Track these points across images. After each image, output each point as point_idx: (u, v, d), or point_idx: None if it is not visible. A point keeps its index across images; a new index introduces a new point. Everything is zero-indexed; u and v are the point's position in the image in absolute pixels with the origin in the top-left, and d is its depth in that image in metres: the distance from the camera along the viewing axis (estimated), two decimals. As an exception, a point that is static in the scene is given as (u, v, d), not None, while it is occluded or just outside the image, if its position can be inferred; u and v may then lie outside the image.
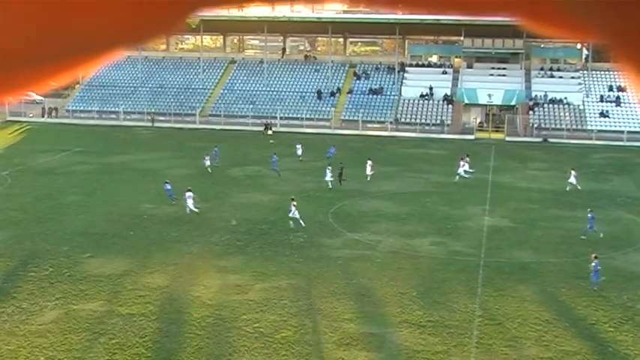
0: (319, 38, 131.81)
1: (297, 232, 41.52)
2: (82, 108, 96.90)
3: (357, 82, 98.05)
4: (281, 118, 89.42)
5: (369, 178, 55.19)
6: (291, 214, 42.35)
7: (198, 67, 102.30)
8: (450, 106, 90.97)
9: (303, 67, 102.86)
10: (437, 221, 44.97)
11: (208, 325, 28.77)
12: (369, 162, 56.57)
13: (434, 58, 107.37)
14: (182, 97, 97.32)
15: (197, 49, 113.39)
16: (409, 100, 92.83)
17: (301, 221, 42.08)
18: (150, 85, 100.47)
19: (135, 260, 36.33)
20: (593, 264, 32.97)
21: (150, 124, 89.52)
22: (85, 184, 54.30)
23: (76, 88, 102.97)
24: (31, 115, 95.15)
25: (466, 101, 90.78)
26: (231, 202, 48.97)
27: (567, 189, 53.33)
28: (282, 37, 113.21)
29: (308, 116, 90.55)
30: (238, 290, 32.47)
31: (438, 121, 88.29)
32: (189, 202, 45.17)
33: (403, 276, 34.55)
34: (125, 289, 32.34)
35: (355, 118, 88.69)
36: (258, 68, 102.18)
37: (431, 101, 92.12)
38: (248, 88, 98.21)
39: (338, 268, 35.62)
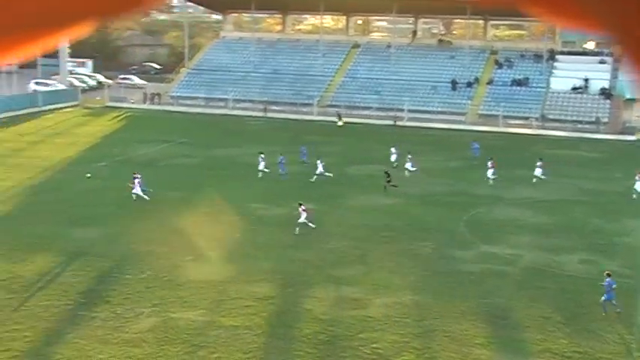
0: (456, 20, 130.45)
1: (423, 242, 41.19)
2: (187, 94, 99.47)
3: (499, 71, 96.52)
4: (409, 110, 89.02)
5: (534, 180, 56.25)
6: (300, 220, 42.69)
7: (317, 51, 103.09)
8: (608, 101, 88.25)
9: (435, 53, 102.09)
10: (587, 235, 43.67)
11: (320, 342, 28.87)
12: (539, 163, 56.88)
13: (590, 45, 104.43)
14: (298, 84, 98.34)
15: (316, 31, 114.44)
16: (559, 94, 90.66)
17: (311, 224, 42.59)
18: (263, 71, 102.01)
19: (240, 266, 36.91)
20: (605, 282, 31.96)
21: (262, 113, 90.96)
22: (189, 179, 55.68)
23: (182, 72, 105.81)
24: (132, 101, 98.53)
25: (628, 96, 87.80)
26: (348, 205, 49.11)
27: None
28: (413, 19, 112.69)
29: (440, 109, 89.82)
30: (355, 305, 32.46)
31: (593, 119, 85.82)
32: (137, 188, 48.34)
33: (546, 297, 33.69)
34: (229, 298, 32.89)
35: (495, 112, 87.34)
36: (384, 53, 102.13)
37: (585, 95, 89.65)
38: (372, 76, 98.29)
39: (470, 285, 35.08)
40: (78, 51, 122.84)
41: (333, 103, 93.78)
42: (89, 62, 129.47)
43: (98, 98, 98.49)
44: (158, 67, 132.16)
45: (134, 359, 27.21)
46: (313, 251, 39.50)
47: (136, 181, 48.28)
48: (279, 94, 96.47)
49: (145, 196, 48.06)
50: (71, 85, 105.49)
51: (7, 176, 55.54)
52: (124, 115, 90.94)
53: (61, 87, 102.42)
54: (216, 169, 59.38)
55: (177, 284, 34.36)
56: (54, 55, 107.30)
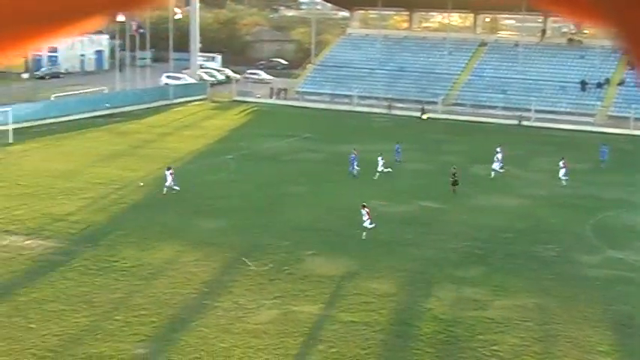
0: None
1: (547, 245, 40.31)
2: (313, 90, 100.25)
3: (631, 72, 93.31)
4: (536, 110, 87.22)
5: None
6: (365, 224, 40.86)
7: (443, 48, 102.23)
8: None
9: (565, 52, 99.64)
10: None
11: (439, 342, 28.66)
12: None
13: None
14: (423, 82, 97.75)
15: (443, 29, 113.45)
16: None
17: (364, 233, 40.74)
18: (388, 68, 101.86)
19: (361, 262, 37.00)
20: None
21: (386, 110, 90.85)
22: (312, 174, 56.12)
23: (308, 68, 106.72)
24: (258, 96, 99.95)
25: None
26: (471, 204, 48.53)
27: None
28: (542, 17, 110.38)
29: (568, 110, 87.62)
30: (475, 305, 32.07)
31: None
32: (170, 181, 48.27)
33: (677, 307, 32.44)
34: (348, 294, 33.03)
35: (626, 114, 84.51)
36: (512, 52, 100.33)
37: None
38: (499, 75, 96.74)
39: (595, 291, 34.14)
40: (208, 46, 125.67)
41: (459, 101, 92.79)
42: (218, 57, 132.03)
43: (226, 92, 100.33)
44: (285, 62, 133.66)
45: (254, 349, 27.66)
46: (434, 250, 39.22)
47: (169, 174, 48.51)
48: (404, 91, 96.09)
49: (176, 187, 48.23)
50: (201, 79, 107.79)
51: (138, 166, 57.30)
52: (251, 110, 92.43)
53: (191, 81, 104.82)
54: (340, 164, 59.58)
55: (298, 278, 34.72)
56: (185, 49, 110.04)
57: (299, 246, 39.16)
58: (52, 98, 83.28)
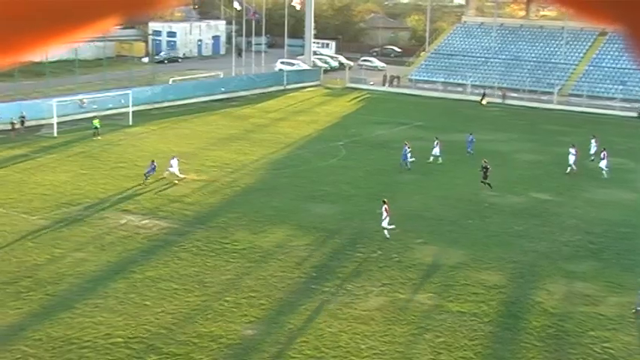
0: None
1: (665, 242, 39.00)
2: (426, 78, 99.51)
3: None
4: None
5: None
6: (383, 224, 38.49)
7: (560, 38, 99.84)
8: None
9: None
10: None
11: (548, 336, 28.11)
12: None
13: None
14: (539, 72, 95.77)
15: (561, 17, 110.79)
16: None
17: (386, 232, 38.26)
18: (503, 57, 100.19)
19: (471, 252, 36.60)
20: None
21: (500, 100, 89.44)
22: (423, 162, 55.74)
23: (422, 55, 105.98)
24: (371, 83, 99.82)
25: None
26: (585, 198, 47.35)
27: None
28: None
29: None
30: (587, 301, 31.32)
31: None
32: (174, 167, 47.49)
33: None
34: (457, 284, 32.73)
35: None
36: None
37: None
38: (618, 66, 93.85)
39: None
40: (322, 32, 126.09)
41: (575, 92, 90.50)
42: (332, 43, 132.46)
43: (339, 79, 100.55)
44: (398, 50, 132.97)
45: (361, 336, 27.73)
46: (546, 243, 38.45)
47: (174, 162, 47.69)
48: (519, 81, 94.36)
49: (180, 175, 47.61)
50: (314, 65, 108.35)
51: (251, 151, 58.11)
52: (363, 97, 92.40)
53: (305, 67, 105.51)
54: (451, 153, 58.98)
55: (407, 266, 34.60)
56: (300, 36, 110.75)
57: (409, 234, 39.02)
58: (170, 82, 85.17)
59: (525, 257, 36.25)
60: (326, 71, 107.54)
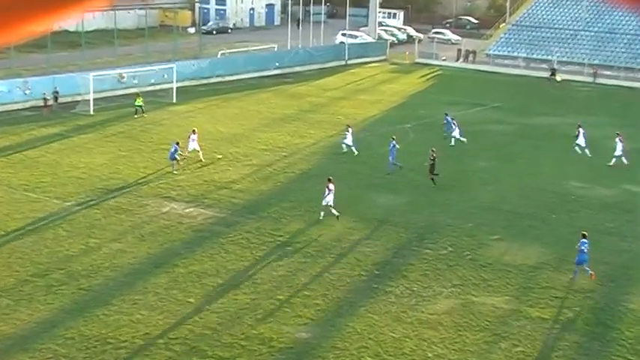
0: None
1: None
2: (505, 53, 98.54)
3: None
4: None
5: None
6: (324, 201, 39.39)
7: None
8: None
9: None
10: None
11: (642, 349, 27.70)
12: None
13: None
14: (637, 46, 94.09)
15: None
16: None
17: (322, 213, 39.27)
18: (595, 29, 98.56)
19: (554, 251, 36.20)
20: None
21: (591, 79, 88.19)
22: (500, 148, 55.29)
23: (501, 27, 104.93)
24: (443, 58, 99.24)
25: None
26: (688, 191, 46.57)
27: None
28: None
29: None
30: (687, 310, 30.76)
31: None
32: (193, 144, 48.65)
33: None
34: (538, 286, 32.40)
35: None
36: None
37: None
38: None
39: None
40: (389, 1, 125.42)
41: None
42: (400, 13, 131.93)
43: (407, 53, 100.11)
44: (475, 21, 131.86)
45: (428, 342, 27.61)
46: (641, 242, 37.87)
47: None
48: (613, 57, 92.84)
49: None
50: (380, 38, 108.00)
51: (307, 133, 58.23)
52: (434, 74, 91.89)
53: (369, 40, 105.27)
54: (532, 138, 58.41)
55: (480, 265, 34.36)
56: (364, 5, 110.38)
57: (483, 229, 38.74)
58: (219, 55, 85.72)
59: (619, 258, 35.73)
60: (393, 45, 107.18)
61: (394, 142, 48.54)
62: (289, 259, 34.52)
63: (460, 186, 46.00)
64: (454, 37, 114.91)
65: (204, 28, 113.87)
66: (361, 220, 39.51)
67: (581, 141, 53.11)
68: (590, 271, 32.75)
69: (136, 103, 61.47)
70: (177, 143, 47.12)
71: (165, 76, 70.03)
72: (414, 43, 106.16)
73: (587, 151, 52.66)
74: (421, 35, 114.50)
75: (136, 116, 60.82)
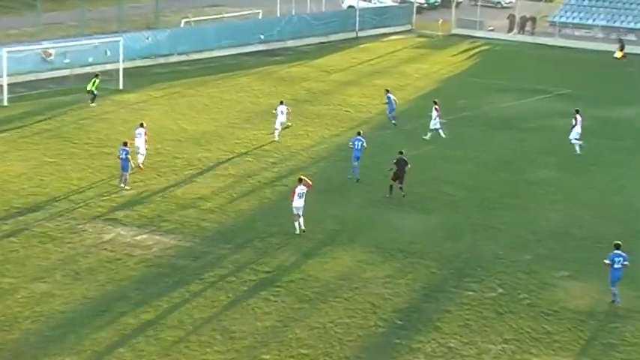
0: None
1: None
2: (576, 21, 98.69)
3: None
4: None
5: None
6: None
7: None
8: None
9: None
10: None
11: None
12: None
13: None
14: None
15: None
16: None
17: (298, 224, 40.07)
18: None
19: (643, 293, 36.21)
20: None
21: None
22: (569, 151, 55.20)
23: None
24: (490, 28, 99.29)
25: None
26: None
27: None
28: None
29: None
30: None
31: None
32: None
33: None
34: (625, 342, 32.19)
35: None
36: None
37: None
38: None
39: None
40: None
41: None
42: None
43: (441, 21, 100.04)
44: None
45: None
46: None
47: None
48: None
49: (138, 167, 48.53)
50: (403, 0, 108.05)
51: (304, 131, 58.20)
52: (478, 49, 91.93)
53: (388, 2, 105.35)
54: (612, 138, 58.43)
55: (542, 312, 34.31)
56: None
57: (546, 263, 38.72)
58: (183, 24, 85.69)
59: None
60: (421, 10, 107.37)
61: (360, 139, 49.38)
62: (279, 303, 34.46)
63: (515, 203, 45.94)
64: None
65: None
66: (378, 251, 39.44)
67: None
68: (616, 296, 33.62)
69: (89, 88, 61.43)
70: (126, 144, 47.09)
71: (109, 53, 70.09)
72: (451, 6, 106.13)
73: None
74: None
75: (92, 105, 61.05)
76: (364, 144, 49.14)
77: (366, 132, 54.31)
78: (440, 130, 56.69)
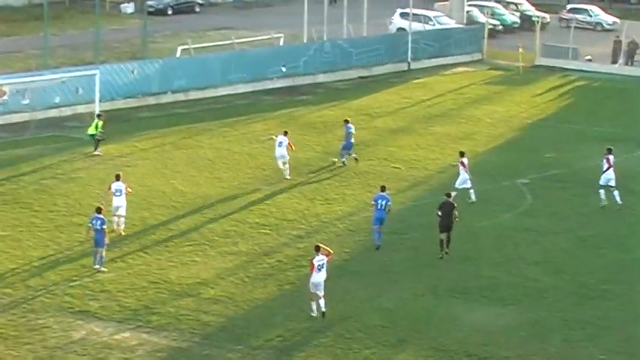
0: None
1: None
2: None
3: None
4: None
5: None
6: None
7: None
8: None
9: None
10: None
11: None
12: None
13: None
14: None
15: None
16: None
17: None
18: None
19: None
20: None
21: None
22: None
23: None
24: (587, 57, 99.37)
25: None
26: None
27: None
28: None
29: None
30: None
31: None
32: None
33: None
34: None
35: None
36: None
37: None
38: None
39: None
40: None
41: None
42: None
43: (521, 49, 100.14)
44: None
45: None
46: None
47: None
48: None
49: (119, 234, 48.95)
50: (470, 21, 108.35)
51: (339, 194, 58.23)
52: (571, 86, 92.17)
53: (451, 24, 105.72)
54: None
55: None
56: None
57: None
58: (179, 54, 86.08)
59: None
60: (494, 33, 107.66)
61: (385, 196, 50.16)
62: None
63: (619, 292, 45.72)
64: (607, 17, 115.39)
65: (150, 4, 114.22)
66: (437, 355, 39.26)
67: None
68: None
69: (90, 132, 61.87)
70: (100, 211, 46.94)
71: (81, 91, 70.41)
72: (534, 29, 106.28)
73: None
74: (547, 15, 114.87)
75: (96, 152, 61.47)
76: (389, 202, 49.61)
77: (418, 195, 54.48)
78: (471, 191, 56.93)
